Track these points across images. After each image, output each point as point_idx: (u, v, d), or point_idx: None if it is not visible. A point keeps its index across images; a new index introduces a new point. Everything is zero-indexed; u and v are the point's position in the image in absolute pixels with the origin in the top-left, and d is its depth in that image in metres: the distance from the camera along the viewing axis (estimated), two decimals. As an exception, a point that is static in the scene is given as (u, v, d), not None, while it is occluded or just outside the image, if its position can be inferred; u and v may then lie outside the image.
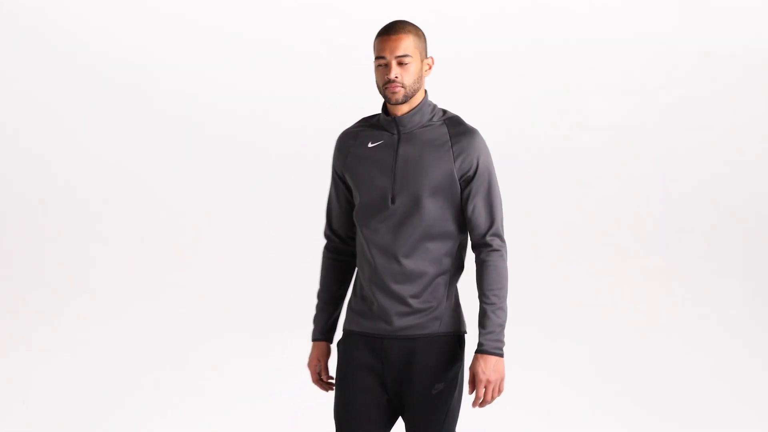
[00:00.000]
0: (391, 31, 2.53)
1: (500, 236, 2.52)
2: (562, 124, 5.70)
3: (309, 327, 2.78)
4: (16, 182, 5.55)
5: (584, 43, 5.67)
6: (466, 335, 2.58)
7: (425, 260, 2.50)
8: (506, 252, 2.54)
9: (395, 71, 2.50)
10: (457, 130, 2.56)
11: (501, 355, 2.48)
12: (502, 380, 2.50)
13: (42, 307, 5.40)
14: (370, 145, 2.60)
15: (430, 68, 2.60)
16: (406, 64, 2.51)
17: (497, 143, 5.66)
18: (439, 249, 2.51)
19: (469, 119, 6.10)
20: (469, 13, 5.64)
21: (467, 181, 2.50)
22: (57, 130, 5.56)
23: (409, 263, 2.49)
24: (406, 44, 2.51)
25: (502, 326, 2.48)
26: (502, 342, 2.48)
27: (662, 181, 5.76)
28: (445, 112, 2.63)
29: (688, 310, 5.54)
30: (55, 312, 5.38)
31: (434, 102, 2.65)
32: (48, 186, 5.55)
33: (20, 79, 5.53)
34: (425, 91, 2.61)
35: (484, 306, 2.49)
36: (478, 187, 2.49)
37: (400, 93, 2.52)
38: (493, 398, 2.52)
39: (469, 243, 2.59)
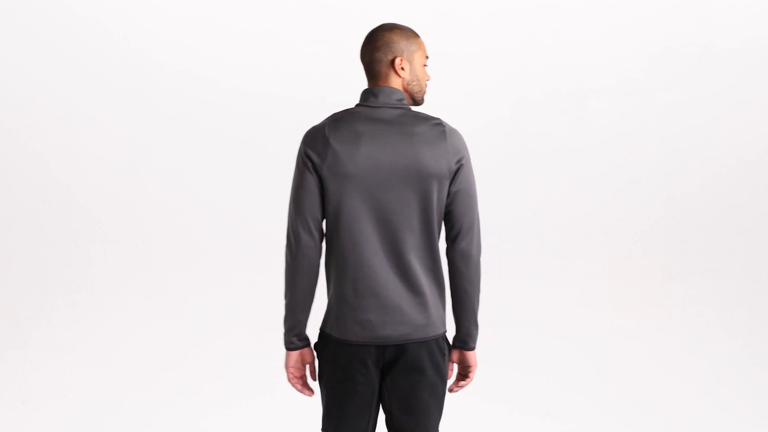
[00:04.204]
0: None
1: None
2: (562, 124, 5.70)
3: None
4: (16, 183, 5.55)
5: (584, 43, 5.68)
6: (326, 332, 2.65)
7: None
8: (286, 254, 2.60)
9: None
10: None
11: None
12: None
13: (42, 307, 5.40)
14: None
15: None
16: None
17: (497, 143, 5.72)
18: None
19: (469, 119, 6.13)
20: (470, 13, 5.64)
21: None
22: (57, 130, 5.57)
23: None
24: None
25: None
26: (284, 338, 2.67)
27: (662, 182, 5.77)
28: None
29: (688, 310, 5.54)
30: (55, 312, 5.39)
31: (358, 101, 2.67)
32: (48, 186, 5.55)
33: (20, 80, 5.53)
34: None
35: None
36: None
37: None
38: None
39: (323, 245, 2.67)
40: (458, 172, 2.55)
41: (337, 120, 2.55)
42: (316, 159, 2.51)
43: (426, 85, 2.66)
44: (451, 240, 2.60)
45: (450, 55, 5.61)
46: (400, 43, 2.58)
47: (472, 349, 2.70)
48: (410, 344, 2.55)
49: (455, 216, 2.57)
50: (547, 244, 5.66)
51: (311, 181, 2.53)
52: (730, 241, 5.75)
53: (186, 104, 5.56)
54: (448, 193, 2.55)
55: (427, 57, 2.65)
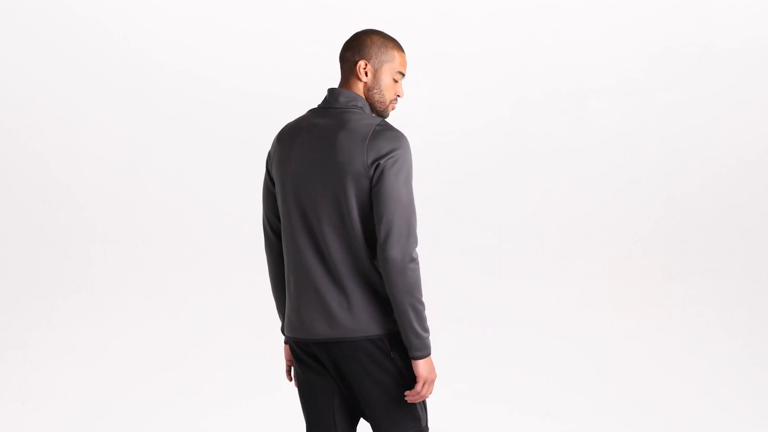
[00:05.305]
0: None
1: None
2: (562, 124, 5.70)
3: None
4: (16, 183, 5.55)
5: (584, 43, 5.68)
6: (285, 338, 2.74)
7: None
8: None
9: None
10: None
11: None
12: None
13: (42, 307, 5.40)
14: None
15: None
16: None
17: (497, 144, 5.72)
18: None
19: (469, 119, 6.10)
20: (470, 13, 5.64)
21: None
22: (57, 130, 5.56)
23: None
24: None
25: None
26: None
27: (662, 182, 5.76)
28: None
29: (688, 310, 5.54)
30: (55, 312, 5.39)
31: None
32: (48, 186, 5.55)
33: (20, 80, 5.53)
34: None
35: None
36: None
37: None
38: None
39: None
40: (376, 171, 2.42)
41: (294, 122, 2.61)
42: (269, 161, 2.63)
43: (393, 101, 2.58)
44: (376, 242, 2.48)
45: (450, 55, 5.60)
46: (371, 48, 2.53)
47: (417, 359, 2.49)
48: (344, 343, 2.50)
49: (375, 217, 2.45)
50: (547, 244, 5.66)
51: (265, 184, 2.66)
52: (730, 241, 5.75)
53: (186, 104, 5.56)
54: (372, 193, 2.45)
55: (402, 74, 2.57)
